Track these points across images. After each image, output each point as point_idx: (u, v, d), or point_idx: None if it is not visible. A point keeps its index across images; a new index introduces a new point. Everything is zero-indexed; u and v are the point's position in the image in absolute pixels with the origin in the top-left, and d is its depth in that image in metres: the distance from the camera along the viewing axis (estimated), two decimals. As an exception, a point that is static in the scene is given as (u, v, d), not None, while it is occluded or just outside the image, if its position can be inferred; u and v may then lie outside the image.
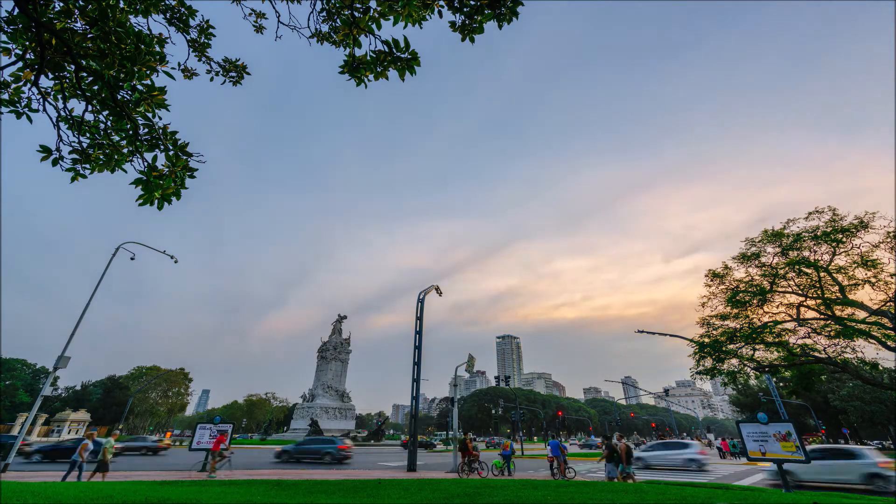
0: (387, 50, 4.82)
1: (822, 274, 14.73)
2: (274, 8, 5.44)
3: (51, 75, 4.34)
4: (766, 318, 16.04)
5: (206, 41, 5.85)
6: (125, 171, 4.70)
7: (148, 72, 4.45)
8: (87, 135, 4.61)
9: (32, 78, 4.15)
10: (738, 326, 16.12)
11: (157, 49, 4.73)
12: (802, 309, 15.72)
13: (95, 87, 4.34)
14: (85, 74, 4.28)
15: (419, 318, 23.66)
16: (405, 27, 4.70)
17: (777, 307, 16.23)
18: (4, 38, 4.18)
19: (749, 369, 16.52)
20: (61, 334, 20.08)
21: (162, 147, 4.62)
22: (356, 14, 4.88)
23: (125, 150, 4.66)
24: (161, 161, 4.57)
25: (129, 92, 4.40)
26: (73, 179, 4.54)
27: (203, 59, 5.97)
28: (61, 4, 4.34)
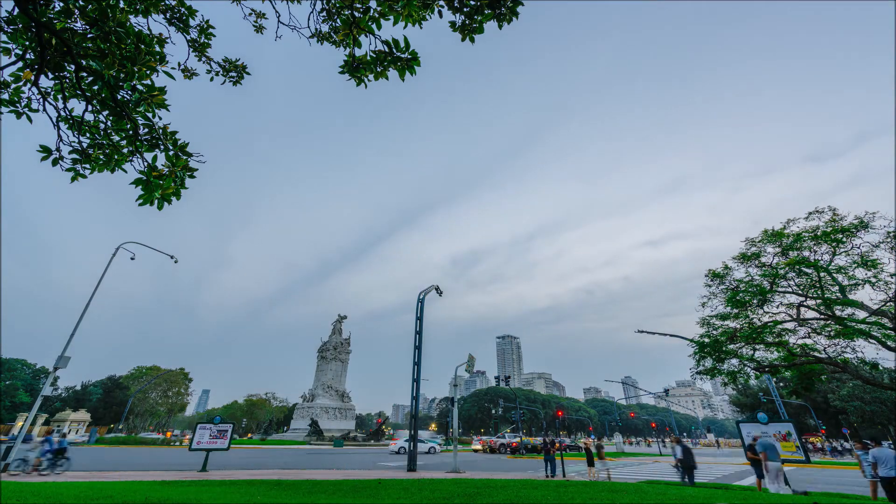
0: (387, 50, 4.81)
1: (822, 274, 14.71)
2: (274, 8, 5.44)
3: (51, 75, 4.33)
4: (766, 319, 16.02)
5: (206, 41, 5.85)
6: (125, 171, 4.70)
7: (148, 72, 4.45)
8: (87, 135, 4.61)
9: (32, 78, 4.15)
10: (738, 326, 16.10)
11: (157, 49, 4.72)
12: (802, 309, 15.71)
13: (95, 87, 4.33)
14: (85, 74, 4.28)
15: (419, 318, 23.65)
16: (405, 27, 4.70)
17: (777, 307, 16.23)
18: (4, 38, 4.18)
19: (749, 369, 16.49)
20: (61, 334, 20.04)
21: (162, 147, 4.61)
22: (356, 14, 4.87)
23: (125, 150, 4.66)
24: (161, 161, 4.57)
25: (129, 92, 4.40)
26: (73, 179, 4.54)
27: (203, 59, 5.97)
28: (61, 4, 4.33)
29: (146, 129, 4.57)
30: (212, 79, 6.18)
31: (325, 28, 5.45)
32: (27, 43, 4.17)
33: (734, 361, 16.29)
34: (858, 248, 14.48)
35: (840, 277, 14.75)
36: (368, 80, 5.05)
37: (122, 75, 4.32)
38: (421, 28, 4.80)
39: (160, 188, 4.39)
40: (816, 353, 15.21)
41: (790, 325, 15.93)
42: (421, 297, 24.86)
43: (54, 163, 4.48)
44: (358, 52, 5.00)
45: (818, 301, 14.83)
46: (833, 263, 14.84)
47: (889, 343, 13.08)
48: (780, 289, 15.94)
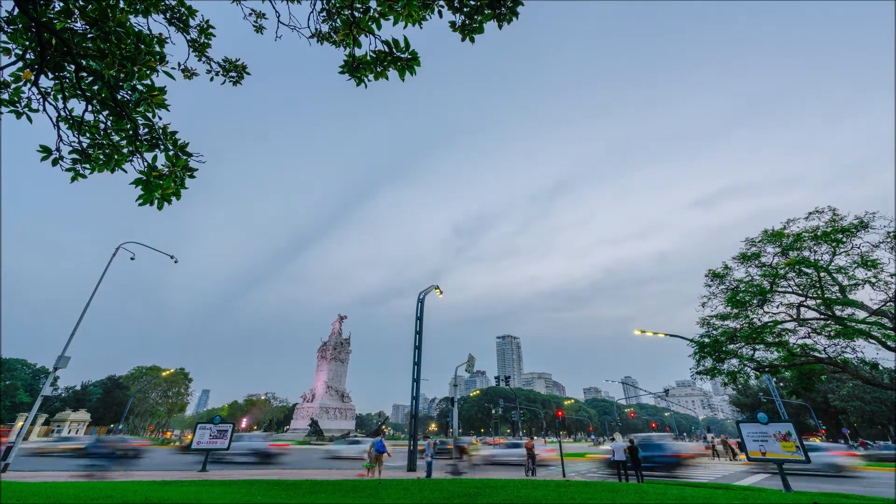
0: (387, 50, 4.81)
1: (822, 274, 14.71)
2: (274, 8, 5.44)
3: (51, 75, 4.33)
4: (766, 319, 16.02)
5: (206, 41, 5.85)
6: (125, 171, 4.70)
7: (148, 72, 4.45)
8: (87, 135, 4.61)
9: (32, 78, 4.15)
10: (738, 326, 16.09)
11: (157, 49, 4.72)
12: (802, 309, 15.71)
13: (95, 87, 4.33)
14: (85, 74, 4.28)
15: (419, 319, 23.66)
16: (405, 27, 4.70)
17: (777, 307, 16.22)
18: (4, 38, 4.18)
19: (749, 369, 16.49)
20: (61, 334, 20.04)
21: (162, 147, 4.62)
22: (356, 14, 4.87)
23: (125, 150, 4.66)
24: (161, 161, 4.57)
25: (129, 92, 4.40)
26: (73, 179, 4.54)
27: (203, 59, 5.97)
28: (61, 4, 4.33)
29: (146, 129, 4.57)
30: (212, 79, 6.18)
31: (325, 28, 5.46)
32: (27, 43, 4.17)
33: (734, 361, 16.29)
34: (858, 248, 14.47)
35: (840, 277, 14.74)
36: (368, 80, 5.05)
37: (122, 75, 4.32)
38: (421, 28, 4.80)
39: (160, 188, 4.40)
40: (816, 353, 15.20)
41: (790, 325, 15.93)
42: (421, 297, 24.87)
43: (54, 163, 4.48)
44: (358, 52, 5.00)
45: (818, 301, 14.83)
46: (833, 263, 14.83)
47: (889, 343, 13.07)
48: (780, 289, 15.93)
